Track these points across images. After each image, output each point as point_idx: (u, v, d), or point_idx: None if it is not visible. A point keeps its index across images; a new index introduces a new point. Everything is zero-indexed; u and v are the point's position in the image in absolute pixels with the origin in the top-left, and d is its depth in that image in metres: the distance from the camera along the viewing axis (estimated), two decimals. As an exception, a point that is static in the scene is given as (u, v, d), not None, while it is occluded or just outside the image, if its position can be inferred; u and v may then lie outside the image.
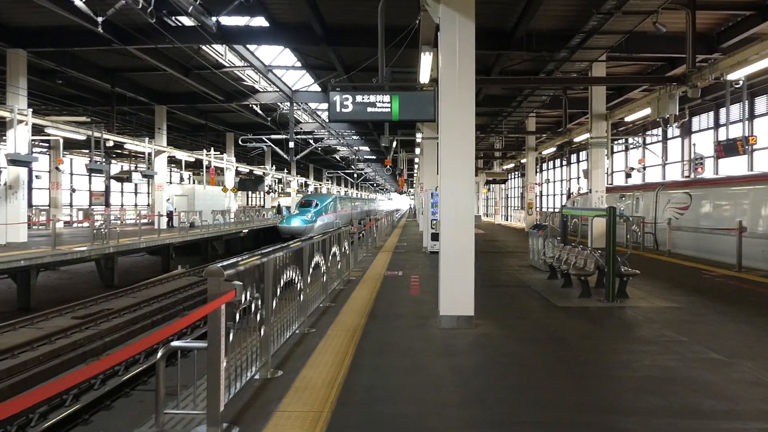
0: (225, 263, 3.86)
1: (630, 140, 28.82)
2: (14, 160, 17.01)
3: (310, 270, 7.06)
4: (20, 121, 17.40)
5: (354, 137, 39.91)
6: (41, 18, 15.60)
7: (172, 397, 4.28)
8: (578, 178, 35.08)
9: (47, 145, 29.94)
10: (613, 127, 22.45)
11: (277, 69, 21.84)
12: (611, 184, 30.34)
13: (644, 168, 27.31)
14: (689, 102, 21.12)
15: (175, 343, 3.99)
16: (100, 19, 13.08)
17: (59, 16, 14.16)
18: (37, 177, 31.71)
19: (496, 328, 6.94)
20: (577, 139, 23.30)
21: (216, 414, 3.67)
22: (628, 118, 19.06)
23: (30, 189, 30.20)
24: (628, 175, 28.30)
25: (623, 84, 21.57)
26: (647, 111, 15.74)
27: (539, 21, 14.23)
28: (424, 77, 11.58)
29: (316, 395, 4.48)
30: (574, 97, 22.43)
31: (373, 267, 13.32)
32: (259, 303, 4.66)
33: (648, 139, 28.20)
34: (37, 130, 19.28)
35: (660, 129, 26.12)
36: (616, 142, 29.57)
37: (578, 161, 36.77)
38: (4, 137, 21.36)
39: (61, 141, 23.62)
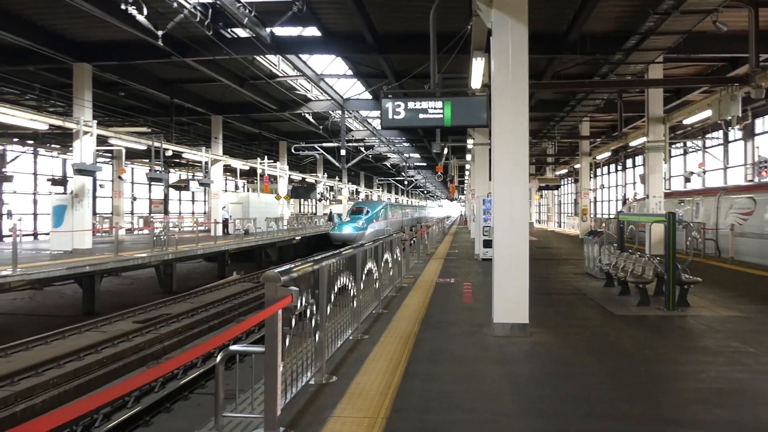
0: (281, 269, 3.93)
1: (689, 144, 27.86)
2: (80, 170, 17.77)
3: (363, 276, 7.10)
4: (85, 132, 18.16)
5: (405, 144, 39.98)
6: (105, 33, 16.28)
7: (230, 400, 4.38)
8: (634, 183, 34.12)
9: (110, 155, 31.18)
10: (671, 131, 21.76)
11: (328, 78, 22.12)
12: (669, 189, 29.39)
13: (704, 172, 26.33)
14: (752, 103, 20.21)
15: (234, 347, 4.07)
16: (160, 33, 13.56)
17: (122, 30, 14.75)
18: (100, 186, 32.97)
19: (552, 336, 6.82)
20: (633, 144, 22.66)
21: (273, 418, 3.73)
22: (687, 121, 18.41)
23: (94, 197, 31.44)
24: (687, 180, 27.35)
25: (682, 86, 20.91)
26: (707, 113, 15.19)
27: (593, 23, 13.95)
28: (476, 83, 11.52)
29: (370, 402, 4.50)
30: (629, 100, 21.86)
31: (425, 274, 13.29)
32: (314, 308, 4.71)
33: (708, 143, 27.18)
34: (101, 140, 20.07)
35: (721, 132, 25.15)
36: (674, 146, 28.63)
37: (634, 166, 35.77)
38: (70, 148, 22.31)
39: (123, 151, 24.58)
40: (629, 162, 36.74)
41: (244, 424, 4.04)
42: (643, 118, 18.71)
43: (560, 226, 46.56)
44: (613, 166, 40.71)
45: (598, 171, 42.35)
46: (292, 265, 4.26)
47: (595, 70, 16.91)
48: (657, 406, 4.52)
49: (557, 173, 40.57)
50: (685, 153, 30.02)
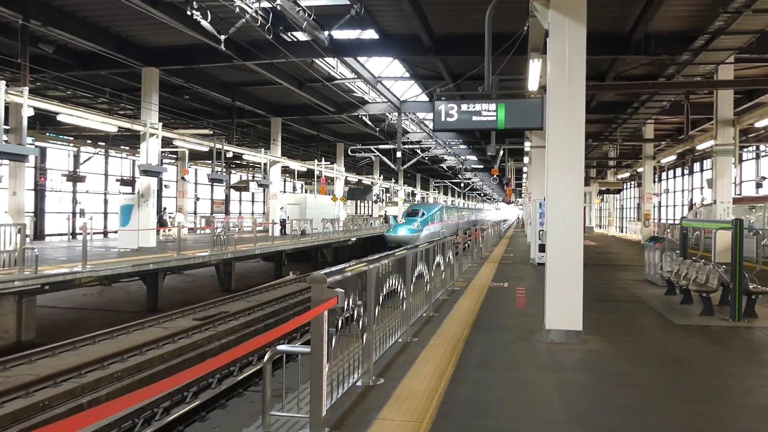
0: (328, 270, 3.97)
1: (762, 147, 26.53)
2: (146, 171, 18.48)
3: (414, 279, 7.09)
4: (152, 135, 18.87)
5: (461, 146, 39.73)
6: (172, 38, 16.90)
7: (278, 399, 4.45)
8: (701, 188, 32.76)
9: (175, 156, 32.31)
10: (742, 134, 20.80)
11: (385, 80, 22.23)
12: (739, 194, 28.06)
13: (778, 177, 25.03)
14: (832, 105, 19.14)
15: (281, 347, 4.15)
16: (222, 38, 13.98)
17: (187, 35, 15.28)
18: (165, 186, 34.19)
19: (607, 344, 6.62)
20: (700, 147, 21.82)
21: (318, 418, 3.76)
22: (759, 124, 17.55)
23: (159, 198, 32.61)
24: (758, 185, 26.05)
25: (754, 87, 19.92)
26: (782, 115, 14.45)
27: (659, 22, 13.50)
28: (533, 84, 11.32)
29: (416, 405, 4.48)
30: (697, 101, 20.98)
31: (478, 278, 13.15)
32: (362, 310, 4.74)
33: (783, 146, 25.82)
34: (165, 142, 20.82)
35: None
36: (745, 150, 27.33)
37: (701, 170, 34.33)
38: (138, 149, 23.23)
39: (187, 152, 25.39)
40: (696, 166, 35.31)
41: (290, 424, 4.09)
42: (712, 121, 17.94)
43: (622, 231, 45.19)
44: (678, 170, 39.22)
45: (663, 175, 40.91)
46: (341, 267, 4.30)
47: (660, 70, 16.33)
48: (718, 421, 4.32)
49: (619, 177, 39.41)
50: (758, 157, 28.59)
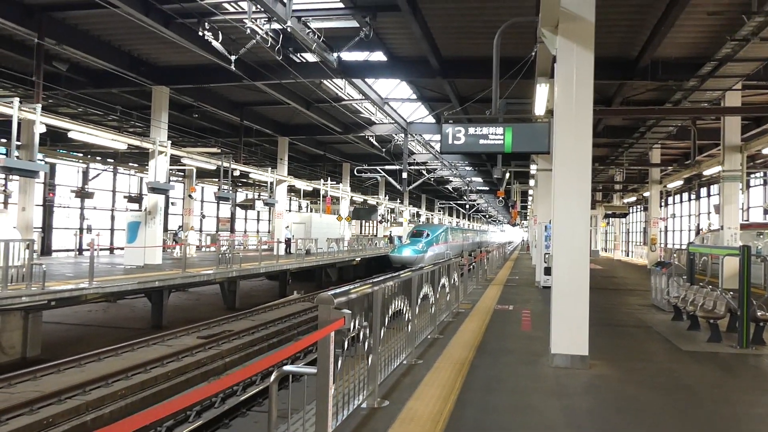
0: (335, 291, 3.98)
1: (769, 173, 26.52)
2: (154, 188, 18.59)
3: (419, 301, 7.09)
4: (160, 152, 19.03)
5: (467, 168, 39.83)
6: (182, 57, 17.13)
7: (283, 419, 4.43)
8: (708, 213, 32.67)
9: (182, 174, 32.48)
10: (749, 160, 20.78)
11: (393, 101, 22.39)
12: (747, 220, 27.97)
13: (786, 204, 24.97)
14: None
15: (287, 368, 4.13)
16: (233, 58, 14.17)
17: (198, 55, 15.47)
18: (172, 204, 34.30)
19: (613, 369, 6.58)
20: (707, 172, 21.77)
21: (323, 439, 3.76)
22: (767, 150, 17.55)
23: (166, 215, 32.74)
24: (766, 211, 25.98)
25: (761, 114, 19.97)
26: (789, 142, 14.46)
27: (666, 49, 13.59)
28: (540, 109, 11.38)
29: (421, 428, 4.46)
30: (704, 127, 21.04)
31: (483, 300, 13.11)
32: (367, 331, 4.74)
33: (791, 173, 25.78)
34: (174, 160, 20.97)
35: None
36: (753, 176, 27.31)
37: (709, 195, 34.29)
38: (146, 167, 23.40)
39: (194, 170, 25.53)
40: (703, 191, 35.27)
41: (295, 444, 4.08)
42: (719, 146, 17.97)
43: (628, 255, 45.01)
44: (685, 195, 39.17)
45: (669, 199, 40.85)
46: (348, 288, 4.32)
47: (667, 96, 16.42)
48: (724, 450, 4.29)
49: (625, 201, 39.37)
50: (765, 183, 28.58)
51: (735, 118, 17.13)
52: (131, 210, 29.13)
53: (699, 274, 11.65)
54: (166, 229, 32.86)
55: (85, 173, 30.57)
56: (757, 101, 18.33)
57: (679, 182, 28.19)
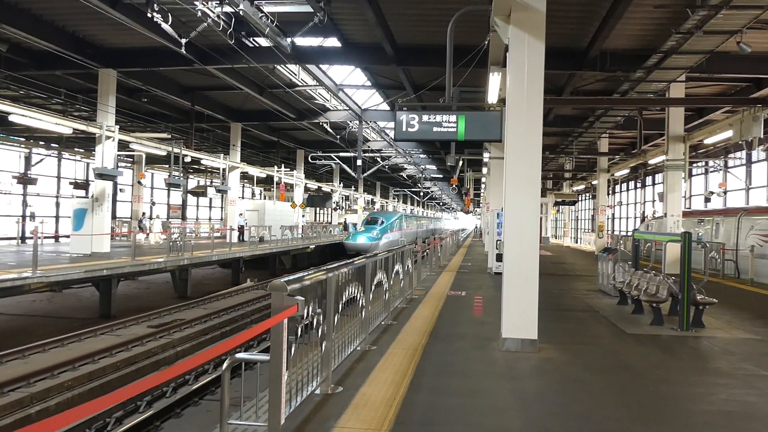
0: (288, 278, 3.97)
1: (710, 163, 27.57)
2: (101, 174, 18.02)
3: (373, 287, 7.12)
4: (108, 137, 18.44)
5: (421, 156, 40.04)
6: (131, 39, 16.54)
7: (236, 407, 4.41)
8: (653, 201, 33.82)
9: (131, 160, 31.63)
10: (692, 149, 21.56)
11: (347, 88, 22.26)
12: (689, 208, 29.08)
13: (725, 192, 26.03)
14: (775, 124, 20.01)
15: (240, 355, 4.12)
16: (183, 41, 13.79)
17: (147, 38, 15.00)
18: (120, 190, 33.39)
19: (561, 353, 6.78)
20: (652, 161, 22.50)
21: (277, 426, 3.75)
22: (708, 141, 18.23)
23: (114, 202, 31.86)
24: (707, 200, 27.05)
25: (703, 105, 20.72)
26: (729, 134, 15.06)
27: (614, 40, 13.92)
28: (493, 97, 11.53)
29: (374, 413, 4.51)
30: (650, 117, 21.71)
31: (437, 286, 13.27)
32: (321, 318, 4.74)
33: (730, 162, 26.88)
34: (122, 145, 20.36)
35: (743, 152, 24.88)
36: (695, 165, 28.36)
37: (654, 184, 35.51)
38: (93, 152, 22.66)
39: (144, 156, 24.89)
40: (648, 179, 36.49)
41: (248, 432, 4.07)
42: (664, 136, 18.58)
43: (577, 242, 46.21)
44: (632, 183, 40.42)
45: (617, 188, 42.06)
46: (301, 275, 4.30)
47: (615, 86, 16.86)
48: (666, 427, 4.48)
49: (575, 189, 40.36)
50: (707, 172, 29.71)
51: (679, 109, 17.73)
52: (77, 197, 28.19)
53: (643, 260, 12.07)
54: (114, 216, 32.06)
55: (28, 158, 29.39)
56: (700, 93, 19.02)
57: (626, 171, 29.06)
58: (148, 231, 27.20)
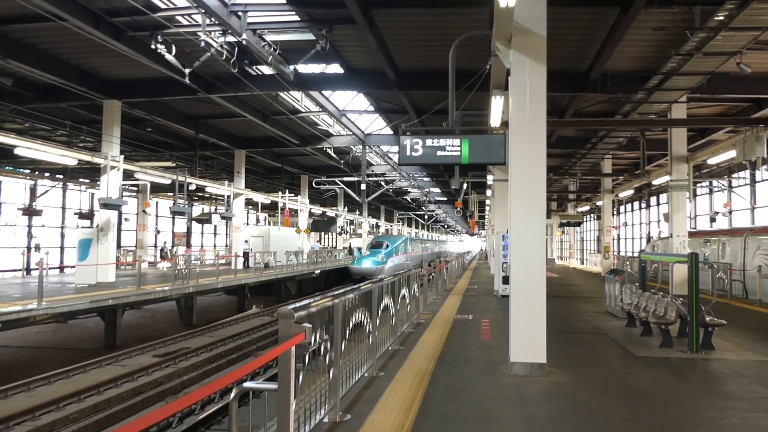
0: (296, 305, 3.95)
1: (715, 183, 27.54)
2: (106, 204, 18.09)
3: (379, 312, 7.09)
4: (113, 167, 18.55)
5: (425, 179, 40.15)
6: (135, 70, 16.78)
7: (243, 436, 4.36)
8: (658, 221, 33.73)
9: (136, 189, 31.77)
10: (695, 169, 21.55)
11: (350, 113, 22.43)
12: (695, 228, 28.98)
13: (730, 212, 25.95)
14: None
15: (247, 384, 4.08)
16: (187, 71, 13.97)
17: (151, 69, 15.21)
18: (125, 219, 33.47)
19: (570, 376, 6.70)
20: (656, 182, 22.49)
21: (284, 456, 3.71)
22: (712, 161, 18.24)
23: (119, 231, 31.94)
24: (712, 220, 26.97)
25: (705, 126, 20.77)
26: (732, 153, 15.09)
27: (615, 62, 14.03)
28: (495, 120, 11.60)
29: (383, 441, 4.44)
30: (652, 138, 21.77)
31: (443, 310, 13.19)
32: (328, 345, 4.71)
33: (734, 182, 26.85)
34: (127, 175, 20.46)
35: (747, 172, 24.87)
36: (699, 185, 28.33)
37: (658, 204, 35.44)
38: (98, 182, 22.79)
39: (148, 185, 24.99)
40: (653, 200, 36.43)
41: (255, 462, 4.01)
42: (667, 157, 18.60)
43: (582, 263, 46.01)
44: (636, 204, 40.36)
45: (621, 208, 41.99)
46: (307, 301, 4.29)
47: (617, 108, 16.94)
48: (678, 451, 4.40)
49: (579, 210, 40.34)
50: (711, 192, 29.67)
51: (681, 130, 17.76)
52: (82, 227, 28.27)
53: (650, 281, 11.99)
54: (119, 245, 32.11)
55: (33, 190, 29.56)
56: (702, 113, 19.07)
57: (630, 191, 29.05)
58: (170, 258, 27.72)
